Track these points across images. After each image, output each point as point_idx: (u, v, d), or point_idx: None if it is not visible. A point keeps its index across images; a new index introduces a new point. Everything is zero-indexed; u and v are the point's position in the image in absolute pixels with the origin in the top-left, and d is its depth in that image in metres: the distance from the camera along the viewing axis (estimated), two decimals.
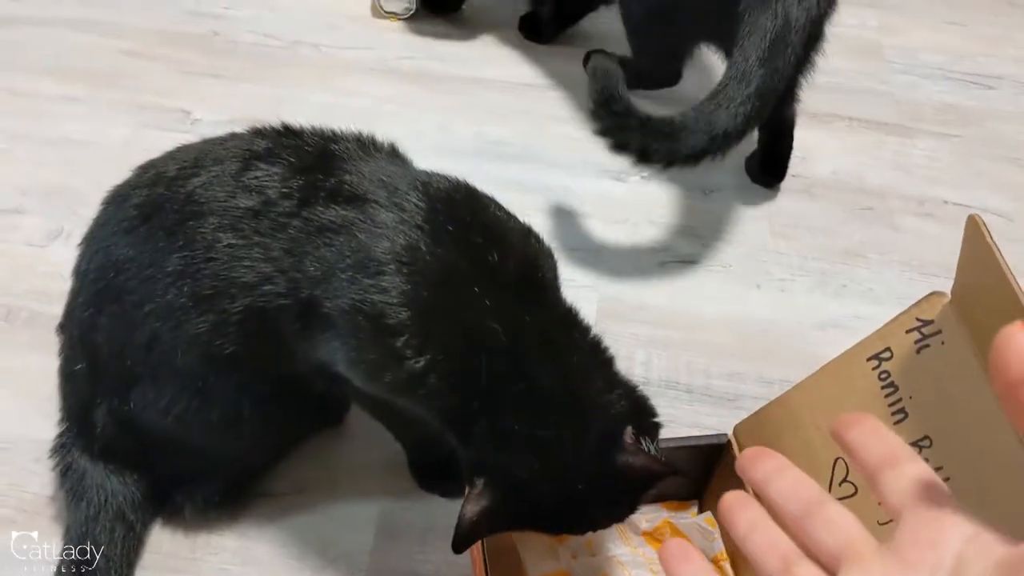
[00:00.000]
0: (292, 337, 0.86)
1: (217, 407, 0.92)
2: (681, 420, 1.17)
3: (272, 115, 0.95)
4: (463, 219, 0.85)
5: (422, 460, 1.09)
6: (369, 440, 1.12)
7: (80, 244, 0.94)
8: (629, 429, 0.81)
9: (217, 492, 1.03)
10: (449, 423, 0.84)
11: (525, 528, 0.86)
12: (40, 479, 1.04)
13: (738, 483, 0.98)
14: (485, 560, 0.88)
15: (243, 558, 1.03)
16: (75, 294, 0.94)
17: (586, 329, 0.87)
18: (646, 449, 0.81)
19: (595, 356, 0.86)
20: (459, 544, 0.78)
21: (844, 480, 0.83)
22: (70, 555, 0.95)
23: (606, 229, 1.41)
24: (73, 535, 0.97)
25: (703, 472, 1.04)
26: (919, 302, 0.79)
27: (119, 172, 0.95)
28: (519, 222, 0.90)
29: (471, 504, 0.78)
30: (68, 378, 0.97)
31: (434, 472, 1.09)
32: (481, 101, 1.59)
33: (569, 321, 0.87)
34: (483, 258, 0.83)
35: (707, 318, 1.30)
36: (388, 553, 1.04)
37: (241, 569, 1.02)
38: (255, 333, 0.86)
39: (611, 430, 0.81)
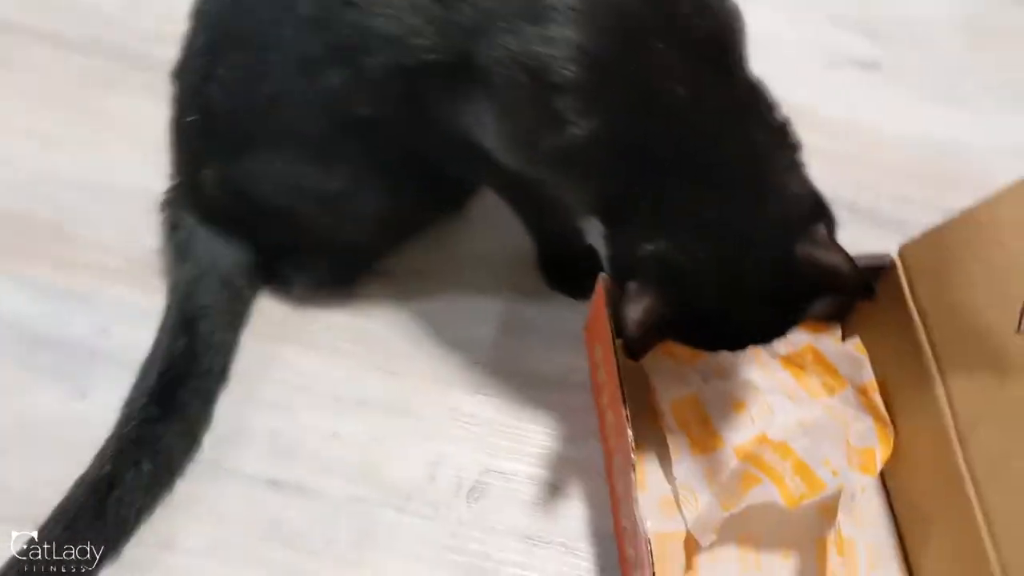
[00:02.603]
0: (435, 99, 0.74)
1: (337, 178, 0.83)
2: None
3: None
4: None
5: (553, 255, 1.00)
6: (495, 231, 1.03)
7: None
8: (820, 224, 0.70)
9: (328, 272, 0.96)
10: (604, 207, 0.74)
11: (685, 339, 0.75)
12: (152, 233, 0.98)
13: (891, 309, 0.90)
14: (621, 382, 0.80)
15: (355, 336, 0.97)
16: (192, 38, 0.84)
17: (772, 106, 0.73)
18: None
19: (782, 137, 0.73)
20: (634, 350, 0.69)
21: None
22: (174, 317, 0.90)
23: (768, 14, 1.22)
24: (178, 294, 0.91)
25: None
26: None
27: None
28: None
29: (632, 304, 0.67)
30: (179, 131, 0.89)
31: (564, 270, 1.00)
32: None
33: (756, 94, 0.73)
34: (670, 7, 0.69)
35: (882, 132, 1.16)
36: (510, 349, 0.97)
37: (352, 347, 0.96)
38: (394, 94, 0.75)
39: (794, 218, 0.69)
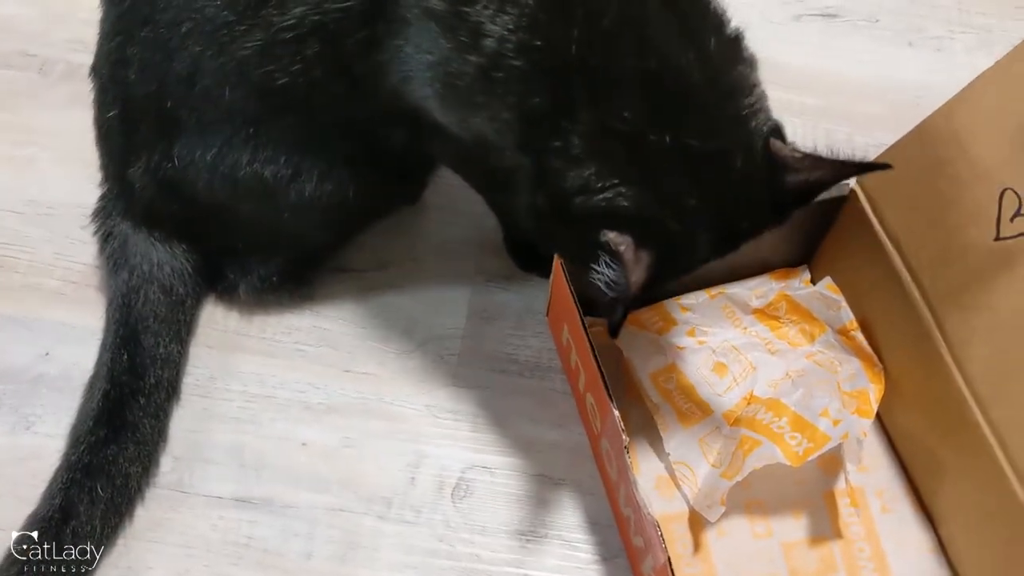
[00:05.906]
0: (358, 56, 0.68)
1: (273, 163, 0.76)
2: None
3: None
4: None
5: (520, 235, 0.94)
6: (457, 215, 0.98)
7: None
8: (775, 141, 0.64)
9: (275, 273, 0.89)
10: (531, 129, 0.63)
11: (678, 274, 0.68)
12: (89, 248, 0.92)
13: (859, 241, 0.82)
14: (598, 360, 0.74)
15: (317, 338, 0.91)
16: (103, 23, 0.78)
17: (721, 16, 0.66)
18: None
19: (736, 47, 0.66)
20: (616, 325, 0.61)
21: (1017, 215, 0.68)
22: (113, 332, 0.84)
23: None
24: (116, 308, 0.85)
25: (814, 233, 0.90)
26: None
27: None
28: None
29: (632, 266, 0.59)
30: (102, 129, 0.82)
31: (534, 249, 0.94)
32: None
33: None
34: None
35: (850, 82, 1.12)
36: (482, 337, 0.92)
37: (315, 350, 0.90)
38: (314, 56, 0.68)
39: (757, 139, 0.63)
